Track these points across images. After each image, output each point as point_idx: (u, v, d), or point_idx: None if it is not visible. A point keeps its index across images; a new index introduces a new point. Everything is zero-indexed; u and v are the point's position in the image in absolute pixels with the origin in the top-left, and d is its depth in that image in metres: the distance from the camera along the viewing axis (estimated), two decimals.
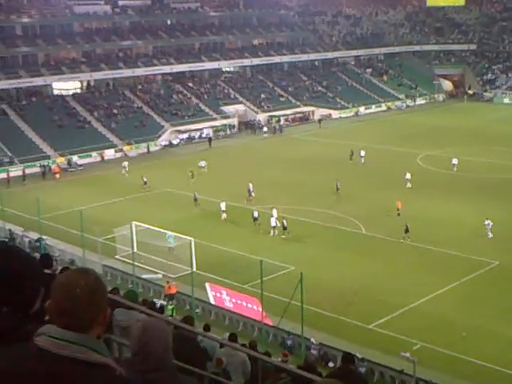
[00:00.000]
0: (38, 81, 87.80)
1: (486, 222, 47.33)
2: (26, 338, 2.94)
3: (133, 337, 3.75)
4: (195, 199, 56.89)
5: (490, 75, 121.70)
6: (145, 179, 62.84)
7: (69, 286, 2.93)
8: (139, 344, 3.67)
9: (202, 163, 68.08)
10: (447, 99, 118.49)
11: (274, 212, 50.32)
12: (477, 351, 31.76)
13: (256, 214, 51.19)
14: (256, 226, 50.70)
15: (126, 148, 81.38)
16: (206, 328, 17.24)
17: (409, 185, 60.11)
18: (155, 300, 33.22)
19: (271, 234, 49.09)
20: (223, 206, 52.85)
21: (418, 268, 42.45)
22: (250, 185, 58.09)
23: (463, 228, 48.89)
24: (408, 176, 60.64)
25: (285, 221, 48.93)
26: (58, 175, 69.54)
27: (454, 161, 66.23)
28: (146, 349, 3.64)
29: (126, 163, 70.29)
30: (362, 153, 70.64)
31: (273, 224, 49.07)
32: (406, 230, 47.14)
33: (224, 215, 52.65)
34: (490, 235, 47.04)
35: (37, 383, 2.77)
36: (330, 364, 30.67)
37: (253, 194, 57.52)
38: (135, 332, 3.74)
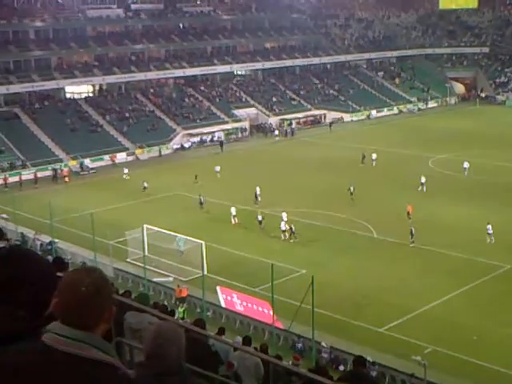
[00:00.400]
0: (51, 84, 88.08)
1: (488, 227, 46.99)
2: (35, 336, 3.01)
3: (146, 339, 3.74)
4: (201, 203, 57.07)
5: (502, 78, 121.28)
6: (145, 184, 62.80)
7: (74, 284, 2.98)
8: (153, 347, 3.66)
9: (217, 168, 67.85)
10: (459, 102, 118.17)
11: (284, 216, 50.39)
12: (488, 355, 31.66)
13: (260, 218, 51.33)
14: (260, 229, 50.80)
15: (137, 151, 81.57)
16: (221, 331, 17.28)
17: (422, 188, 59.90)
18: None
19: (282, 237, 49.12)
20: (233, 210, 52.88)
21: (430, 271, 42.36)
22: (258, 188, 58.16)
23: (475, 232, 48.69)
24: (423, 180, 60.41)
25: (293, 226, 48.95)
26: (67, 179, 69.65)
27: (465, 165, 65.81)
28: (159, 352, 3.63)
29: (126, 170, 70.22)
30: (374, 156, 70.64)
31: (283, 228, 49.10)
32: (411, 235, 47.03)
33: (234, 220, 52.69)
34: (489, 240, 46.74)
35: (42, 380, 2.81)
36: (341, 367, 30.67)
37: (259, 197, 57.62)
38: (149, 334, 3.74)
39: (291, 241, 48.64)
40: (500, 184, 61.94)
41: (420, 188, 60.00)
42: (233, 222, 52.78)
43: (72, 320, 2.95)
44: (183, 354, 3.75)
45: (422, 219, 51.22)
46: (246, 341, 14.63)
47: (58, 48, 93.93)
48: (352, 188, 57.78)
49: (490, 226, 46.88)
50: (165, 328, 3.79)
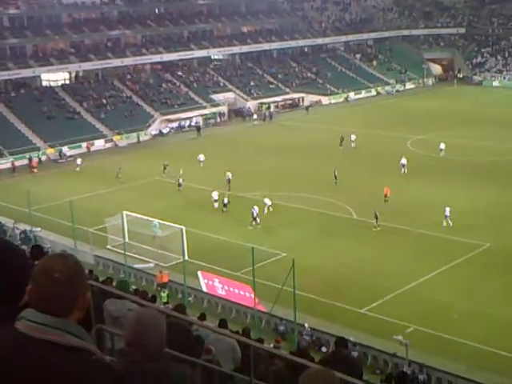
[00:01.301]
0: (27, 72, 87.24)
1: (446, 209, 46.68)
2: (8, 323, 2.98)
3: (127, 327, 3.72)
4: (179, 185, 57.92)
5: (479, 58, 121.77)
6: (119, 171, 62.08)
7: (48, 270, 2.95)
8: (133, 334, 3.65)
9: (201, 157, 66.74)
10: (437, 83, 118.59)
11: (267, 201, 50.55)
12: (469, 333, 31.95)
13: (226, 201, 51.88)
14: (223, 212, 51.31)
15: (115, 138, 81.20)
16: (202, 317, 17.27)
17: (404, 170, 60.06)
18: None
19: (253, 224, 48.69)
20: (215, 195, 52.85)
21: (410, 252, 42.62)
22: (229, 174, 57.87)
23: (454, 211, 48.96)
24: (404, 161, 60.45)
25: (255, 209, 48.62)
26: (35, 170, 68.02)
27: (442, 145, 66.18)
28: (140, 339, 3.61)
29: (79, 160, 68.77)
30: (353, 137, 70.79)
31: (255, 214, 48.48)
32: (376, 218, 46.90)
33: (216, 204, 52.68)
34: (445, 224, 46.41)
35: (16, 367, 2.79)
36: (323, 349, 30.81)
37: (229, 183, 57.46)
38: (129, 322, 3.72)
39: (250, 227, 48.17)
40: (479, 163, 62.36)
41: (403, 170, 60.03)
42: (215, 206, 52.75)
43: (46, 307, 2.92)
44: (164, 341, 3.74)
45: (401, 200, 51.43)
46: (222, 324, 14.61)
47: (33, 35, 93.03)
48: (336, 172, 57.41)
49: (448, 209, 46.60)
50: (145, 315, 3.76)
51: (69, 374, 2.83)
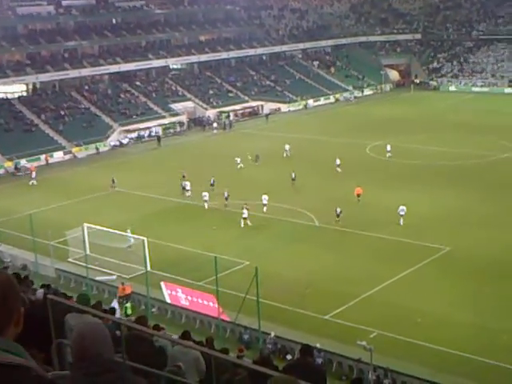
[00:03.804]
0: None
1: (401, 208, 48.06)
2: None
3: (72, 343, 3.70)
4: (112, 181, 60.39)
5: (435, 64, 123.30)
6: (114, 179, 62.13)
7: None
8: (80, 349, 3.63)
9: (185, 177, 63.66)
10: (394, 89, 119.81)
11: (265, 198, 52.49)
12: (432, 336, 32.16)
13: (226, 194, 54.23)
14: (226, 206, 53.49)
15: (74, 150, 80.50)
16: (156, 328, 17.13)
17: (338, 169, 62.34)
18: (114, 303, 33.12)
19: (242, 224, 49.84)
20: (206, 196, 54.59)
21: (371, 257, 42.80)
22: (187, 183, 58.43)
23: (414, 215, 49.37)
24: (338, 162, 63.04)
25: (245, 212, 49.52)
26: None
27: (388, 147, 68.20)
28: (86, 354, 3.60)
29: (34, 174, 67.30)
30: (287, 147, 71.21)
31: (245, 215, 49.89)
32: (337, 214, 48.64)
33: (206, 205, 54.36)
34: (401, 223, 47.77)
35: None
36: (288, 356, 30.78)
37: (189, 192, 57.98)
38: (75, 338, 3.70)
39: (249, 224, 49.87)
40: (435, 168, 63.03)
41: (338, 169, 62.44)
42: (206, 206, 54.26)
43: None
44: (112, 352, 3.69)
45: (363, 205, 51.81)
46: (186, 336, 14.51)
47: None
48: (293, 175, 58.73)
49: (402, 208, 48.02)
50: (88, 329, 3.73)
51: None
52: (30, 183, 66.23)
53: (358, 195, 53.20)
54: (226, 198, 54.43)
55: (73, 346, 3.71)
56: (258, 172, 63.70)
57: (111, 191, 61.23)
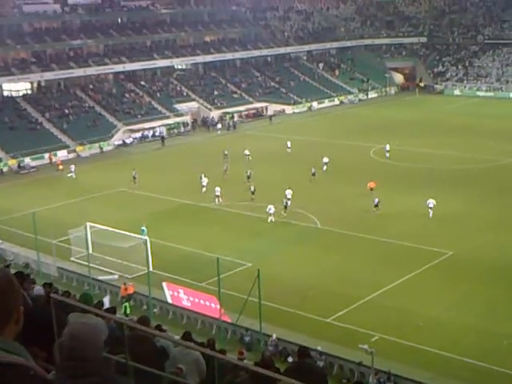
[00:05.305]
0: None
1: (429, 201, 49.85)
2: None
3: (61, 342, 3.66)
4: (134, 177, 62.15)
5: (440, 67, 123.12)
6: (134, 173, 63.19)
7: None
8: (69, 349, 3.58)
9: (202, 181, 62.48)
10: (399, 92, 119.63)
11: (288, 193, 53.30)
12: (433, 340, 32.15)
13: (252, 188, 56.07)
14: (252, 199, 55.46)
15: (78, 148, 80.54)
16: (158, 328, 17.11)
17: (325, 168, 63.54)
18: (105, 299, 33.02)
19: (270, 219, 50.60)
20: (218, 190, 55.80)
21: (374, 261, 42.76)
22: (205, 179, 59.32)
23: (417, 219, 49.41)
24: (326, 160, 64.25)
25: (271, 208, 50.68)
26: None
27: (387, 147, 69.49)
28: (74, 354, 3.55)
29: (72, 166, 68.48)
30: (289, 143, 74.04)
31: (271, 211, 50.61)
32: (285, 207, 51.27)
33: (218, 200, 55.65)
34: (431, 215, 49.81)
35: None
36: (290, 359, 30.72)
37: (204, 188, 58.82)
38: (64, 337, 3.66)
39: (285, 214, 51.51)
40: (440, 172, 62.92)
41: (325, 167, 63.68)
42: (217, 201, 55.31)
43: None
44: (101, 354, 3.67)
45: (365, 209, 51.76)
46: (187, 336, 14.49)
47: None
48: (313, 170, 61.30)
49: (433, 201, 49.92)
50: (78, 329, 3.69)
51: None
52: (69, 175, 67.03)
53: (372, 189, 55.24)
54: (253, 192, 55.78)
55: (61, 346, 3.69)
56: (259, 173, 63.29)
57: (133, 187, 61.95)
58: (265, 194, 55.05)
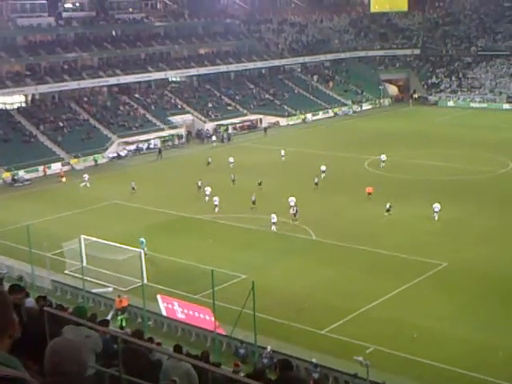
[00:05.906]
0: None
1: (435, 206, 51.33)
2: None
3: (45, 357, 3.70)
4: (133, 188, 63.37)
5: (434, 79, 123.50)
6: (133, 184, 63.89)
7: None
8: (51, 365, 3.62)
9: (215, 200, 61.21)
10: (393, 104, 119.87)
11: (292, 200, 54.24)
12: (428, 352, 32.11)
13: (253, 198, 56.53)
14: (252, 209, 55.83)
15: (73, 161, 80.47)
16: (150, 341, 17.11)
17: (323, 175, 64.73)
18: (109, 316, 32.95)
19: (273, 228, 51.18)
20: (216, 200, 56.61)
21: (369, 272, 42.77)
22: (209, 188, 60.41)
23: (412, 230, 49.46)
24: (323, 168, 65.79)
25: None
26: None
27: (383, 157, 70.55)
28: (57, 369, 3.58)
29: (86, 176, 68.98)
30: (283, 152, 76.20)
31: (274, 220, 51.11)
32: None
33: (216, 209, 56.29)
34: (437, 218, 51.16)
35: None
36: None
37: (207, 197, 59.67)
38: (47, 352, 3.69)
39: (296, 222, 52.14)
40: (434, 183, 63.00)
41: (323, 175, 64.88)
42: (216, 210, 56.11)
43: None
44: (84, 369, 3.67)
45: (361, 220, 51.79)
46: (177, 349, 14.48)
47: None
48: (316, 179, 62.58)
49: (438, 205, 51.46)
50: (60, 345, 3.71)
51: None
52: (83, 185, 67.63)
53: (369, 194, 57.07)
54: (253, 202, 56.13)
55: (45, 361, 3.70)
56: (251, 184, 63.22)
57: (133, 196, 62.84)
58: (264, 205, 55.12)
